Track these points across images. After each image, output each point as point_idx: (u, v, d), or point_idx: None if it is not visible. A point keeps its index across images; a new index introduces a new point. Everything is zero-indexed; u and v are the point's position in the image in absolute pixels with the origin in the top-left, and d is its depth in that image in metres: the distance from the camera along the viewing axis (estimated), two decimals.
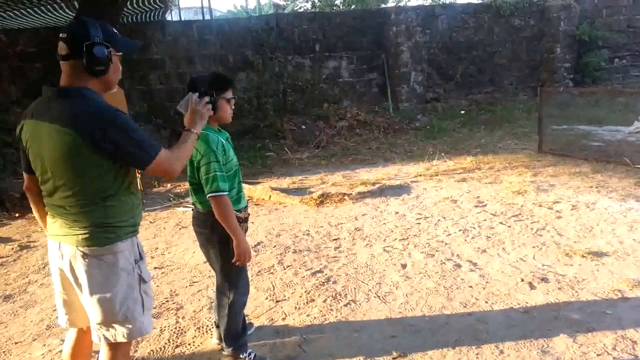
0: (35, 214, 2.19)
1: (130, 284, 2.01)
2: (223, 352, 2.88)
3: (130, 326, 2.02)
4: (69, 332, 2.26)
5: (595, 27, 13.03)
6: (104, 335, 2.03)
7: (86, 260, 1.94)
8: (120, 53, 2.00)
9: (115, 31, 1.99)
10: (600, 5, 13.57)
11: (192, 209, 2.82)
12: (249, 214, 2.87)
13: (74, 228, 1.95)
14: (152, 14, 11.02)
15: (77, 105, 1.85)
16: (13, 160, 8.61)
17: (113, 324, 2.01)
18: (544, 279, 3.67)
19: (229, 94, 2.63)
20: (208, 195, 2.50)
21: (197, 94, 2.28)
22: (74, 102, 1.86)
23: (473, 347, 2.88)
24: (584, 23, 12.98)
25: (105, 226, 1.95)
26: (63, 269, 2.02)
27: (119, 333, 2.02)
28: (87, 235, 1.93)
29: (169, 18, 12.36)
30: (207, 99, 2.28)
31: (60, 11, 9.51)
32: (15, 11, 8.99)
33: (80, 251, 1.94)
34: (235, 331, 2.82)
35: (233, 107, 2.70)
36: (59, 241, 2.00)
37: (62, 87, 1.92)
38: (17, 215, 6.35)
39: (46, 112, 1.87)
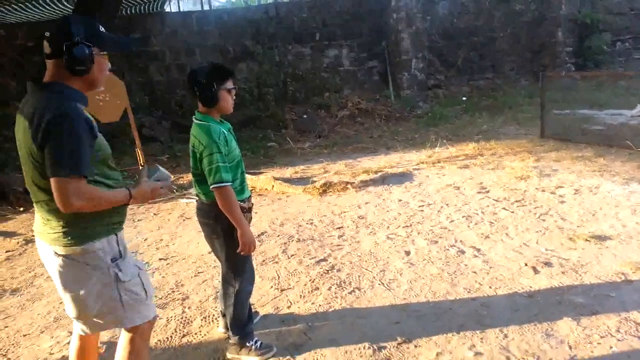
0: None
1: (105, 282, 1.98)
2: (229, 341, 2.91)
3: (109, 318, 2.04)
4: (74, 327, 2.28)
5: (597, 11, 12.94)
6: (81, 328, 2.09)
7: (58, 259, 1.93)
8: (105, 52, 1.96)
9: (102, 30, 1.95)
10: None
11: (196, 200, 2.83)
12: (252, 204, 2.88)
13: (46, 226, 1.94)
14: (151, 5, 10.97)
15: (43, 100, 1.83)
16: (14, 155, 8.62)
17: (89, 319, 2.04)
18: (548, 264, 3.68)
19: (230, 84, 2.62)
20: (211, 186, 2.50)
21: (170, 176, 2.24)
22: (41, 97, 1.84)
23: (477, 332, 2.90)
24: (586, 6, 12.87)
25: (74, 226, 1.91)
26: (46, 264, 2.04)
27: (98, 326, 2.06)
28: (56, 235, 1.91)
29: (168, 9, 12.31)
30: (160, 185, 2.14)
31: (59, 4, 9.47)
32: (14, 5, 8.97)
33: (52, 250, 1.94)
34: (241, 320, 2.84)
35: (234, 97, 2.70)
36: (39, 237, 2.01)
37: (39, 82, 1.91)
38: (21, 209, 6.38)
39: (25, 106, 1.88)
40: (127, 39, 2.17)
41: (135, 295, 2.07)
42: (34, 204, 1.99)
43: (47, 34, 1.88)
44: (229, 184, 2.51)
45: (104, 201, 1.90)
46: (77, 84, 1.91)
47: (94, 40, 1.89)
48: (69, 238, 1.91)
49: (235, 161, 2.64)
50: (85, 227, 1.92)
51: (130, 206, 2.14)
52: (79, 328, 2.12)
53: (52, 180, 1.77)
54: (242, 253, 2.62)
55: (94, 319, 2.03)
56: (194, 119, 2.65)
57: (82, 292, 1.95)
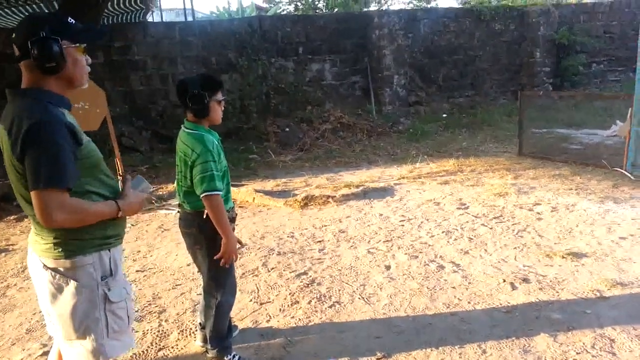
0: None
1: (92, 301, 1.85)
2: (207, 355, 2.87)
3: (89, 346, 1.87)
4: (54, 341, 2.19)
5: (574, 32, 13.29)
6: (69, 352, 1.92)
7: (47, 271, 1.83)
8: (78, 44, 1.80)
9: (71, 21, 1.79)
10: (577, 11, 13.87)
11: (179, 211, 2.80)
12: (236, 214, 2.88)
13: (37, 237, 1.85)
14: (134, 15, 10.94)
15: (20, 108, 1.70)
16: None
17: (73, 341, 1.88)
18: (525, 280, 3.72)
19: (220, 96, 2.64)
20: (203, 194, 2.49)
21: (151, 187, 2.15)
22: (19, 105, 1.72)
23: (456, 347, 2.91)
24: (563, 28, 13.23)
25: (64, 238, 1.80)
26: (34, 276, 1.93)
27: (80, 353, 1.88)
28: (46, 247, 1.82)
29: (150, 19, 12.27)
30: (145, 197, 2.08)
31: (41, 12, 9.37)
32: None
33: (42, 262, 1.84)
34: (220, 333, 2.81)
35: (223, 108, 2.70)
36: (31, 248, 1.92)
37: (17, 89, 1.79)
38: None
39: (5, 116, 1.76)
40: (97, 28, 2.04)
41: (120, 320, 1.94)
42: (27, 215, 1.88)
43: (13, 35, 1.74)
44: (220, 192, 2.51)
45: (89, 215, 1.78)
46: (53, 84, 1.77)
47: (61, 33, 1.73)
48: (59, 250, 1.80)
49: (222, 172, 2.63)
50: (77, 239, 1.81)
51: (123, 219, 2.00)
52: (61, 348, 1.98)
53: (33, 195, 1.66)
54: (221, 262, 2.60)
55: (77, 341, 1.88)
56: (183, 128, 2.65)
57: (68, 310, 1.83)
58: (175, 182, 2.76)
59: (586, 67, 13.65)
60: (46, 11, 9.12)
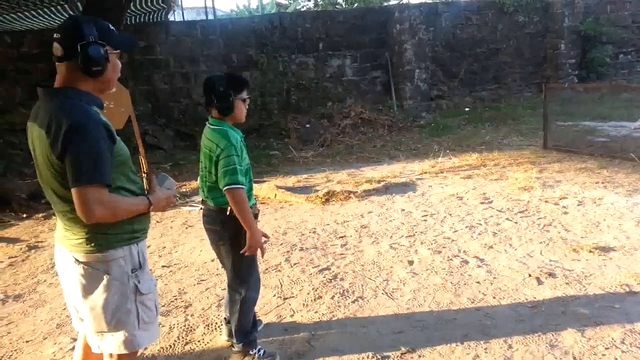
0: None
1: (124, 293, 1.91)
2: (233, 349, 2.90)
3: (121, 337, 1.93)
4: (79, 335, 2.24)
5: (600, 23, 12.98)
6: (97, 344, 1.97)
7: (78, 266, 1.88)
8: (118, 50, 1.91)
9: (112, 27, 1.89)
10: (604, 0, 13.52)
11: (202, 207, 2.84)
12: (259, 210, 2.91)
13: (69, 232, 1.90)
14: (156, 15, 11.07)
15: (56, 107, 1.76)
16: (18, 161, 8.66)
17: (104, 334, 1.94)
18: (552, 274, 3.67)
19: (245, 95, 2.68)
20: (225, 187, 2.52)
21: (175, 184, 2.19)
22: (55, 104, 1.77)
23: (481, 342, 2.89)
24: (589, 19, 12.93)
25: (95, 233, 1.85)
26: (63, 272, 1.98)
27: (111, 344, 1.94)
28: (78, 242, 1.87)
29: (172, 18, 12.40)
30: (173, 194, 2.13)
31: (64, 13, 9.56)
32: (19, 13, 9.04)
33: (73, 257, 1.89)
34: (246, 327, 2.84)
35: (247, 107, 2.74)
36: (60, 244, 1.96)
37: (50, 88, 1.85)
38: (24, 215, 6.39)
39: (37, 114, 1.82)
40: (131, 37, 2.13)
41: (150, 311, 2.01)
42: (56, 212, 1.94)
43: (57, 35, 1.80)
44: (243, 186, 2.54)
45: (125, 210, 1.86)
46: (90, 86, 1.85)
47: (106, 39, 1.82)
48: (91, 245, 1.86)
49: (245, 169, 2.66)
50: (108, 234, 1.87)
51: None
52: (91, 344, 2.02)
53: (73, 191, 1.72)
54: (247, 254, 2.63)
55: (107, 334, 1.94)
56: (208, 125, 2.71)
57: (100, 303, 1.88)
58: (199, 178, 2.80)
59: (613, 59, 13.32)
60: (71, 13, 9.30)
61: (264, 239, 2.73)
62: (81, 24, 1.78)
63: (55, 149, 1.72)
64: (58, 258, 2.00)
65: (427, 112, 11.81)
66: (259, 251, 2.69)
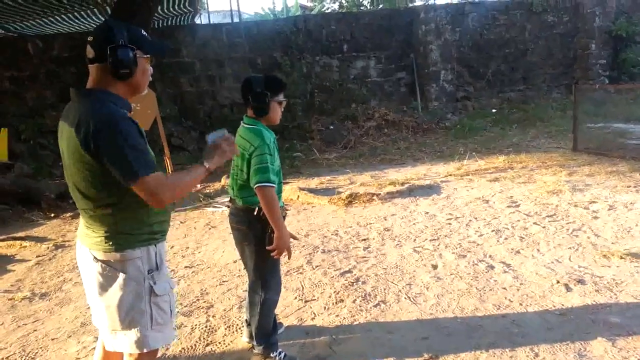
0: None
1: (139, 293, 1.94)
2: (254, 351, 2.89)
3: (134, 337, 1.95)
4: (99, 334, 2.26)
5: (633, 23, 12.61)
6: (111, 343, 2.00)
7: (97, 264, 1.92)
8: (148, 55, 1.95)
9: (144, 33, 1.94)
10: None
11: (229, 206, 2.84)
12: (286, 213, 2.89)
13: (89, 229, 1.94)
14: (182, 18, 11.21)
15: (86, 107, 1.81)
16: (48, 162, 8.86)
17: (117, 332, 1.97)
18: (581, 281, 3.56)
19: (281, 97, 2.71)
20: (256, 185, 2.52)
21: (224, 130, 2.18)
22: (85, 104, 1.82)
23: (507, 350, 2.81)
24: (621, 19, 12.59)
25: (116, 233, 1.90)
26: (83, 269, 2.02)
27: (123, 343, 1.97)
28: (98, 240, 1.91)
29: (198, 22, 12.53)
30: (232, 138, 2.17)
31: (94, 17, 9.76)
32: (50, 17, 9.26)
33: (92, 255, 1.93)
34: (266, 330, 2.82)
35: (282, 109, 2.75)
36: (81, 242, 2.01)
37: (82, 89, 1.90)
38: (52, 215, 6.52)
39: (68, 114, 1.87)
40: (162, 42, 2.18)
41: (164, 313, 2.02)
42: (79, 210, 1.98)
43: (90, 38, 1.86)
44: (274, 185, 2.54)
45: (188, 185, 1.96)
46: (120, 89, 1.90)
47: (136, 43, 1.87)
48: (110, 244, 1.90)
49: (276, 170, 2.66)
50: (127, 234, 1.91)
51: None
52: (105, 342, 2.06)
53: (135, 185, 1.78)
54: (273, 254, 2.62)
55: (120, 333, 1.97)
56: (242, 124, 2.72)
57: (115, 302, 1.92)
58: (230, 176, 2.80)
59: None
60: (100, 16, 9.48)
61: (291, 240, 2.71)
62: (112, 28, 1.84)
63: (88, 148, 1.76)
64: (79, 256, 2.05)
65: (452, 113, 11.66)
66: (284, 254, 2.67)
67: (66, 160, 1.89)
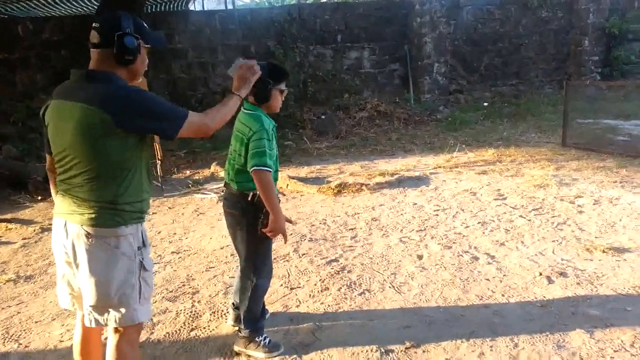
0: (52, 193, 2.20)
1: (130, 269, 2.02)
2: (239, 334, 2.90)
3: (123, 311, 2.01)
4: (77, 317, 2.26)
5: (627, 20, 12.67)
6: (95, 318, 2.03)
7: (89, 240, 1.96)
8: (149, 46, 2.09)
9: (145, 25, 2.08)
10: None
11: (224, 190, 2.86)
12: (279, 200, 2.90)
13: (82, 206, 1.97)
14: (176, 4, 11.09)
15: (105, 86, 1.93)
16: (37, 145, 8.79)
17: (107, 308, 2.01)
18: (563, 274, 3.61)
19: (283, 86, 2.72)
20: (253, 168, 2.52)
21: (246, 60, 2.43)
22: (102, 84, 1.94)
23: (487, 340, 2.85)
24: (614, 16, 12.64)
25: (113, 208, 1.97)
26: (66, 247, 2.03)
27: (112, 318, 2.02)
28: (93, 215, 1.95)
29: (192, 8, 12.42)
30: (254, 62, 2.39)
31: (86, 1, 9.64)
32: (41, 0, 9.14)
33: (85, 230, 1.96)
34: (255, 314, 2.84)
35: (283, 98, 2.77)
36: (65, 219, 2.02)
37: (90, 70, 2.00)
38: (39, 198, 6.49)
39: (73, 93, 1.94)
40: (162, 36, 2.32)
41: (149, 288, 2.12)
42: (64, 185, 2.02)
43: (96, 24, 1.98)
44: (270, 170, 2.55)
45: (226, 111, 2.19)
46: (122, 73, 2.01)
47: (141, 34, 2.02)
48: (104, 219, 1.96)
49: (273, 157, 2.66)
50: (120, 210, 1.98)
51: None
52: (86, 319, 2.07)
53: (184, 128, 1.99)
54: (269, 235, 2.64)
55: (109, 309, 2.01)
56: (242, 110, 2.72)
57: (107, 278, 1.97)
58: (227, 161, 2.80)
59: (639, 57, 13.00)
60: (94, 2, 9.37)
61: (287, 224, 2.73)
62: (120, 17, 1.98)
63: (125, 121, 1.90)
64: (60, 234, 2.05)
65: (444, 106, 11.69)
66: (276, 238, 2.70)
67: (71, 136, 1.92)
